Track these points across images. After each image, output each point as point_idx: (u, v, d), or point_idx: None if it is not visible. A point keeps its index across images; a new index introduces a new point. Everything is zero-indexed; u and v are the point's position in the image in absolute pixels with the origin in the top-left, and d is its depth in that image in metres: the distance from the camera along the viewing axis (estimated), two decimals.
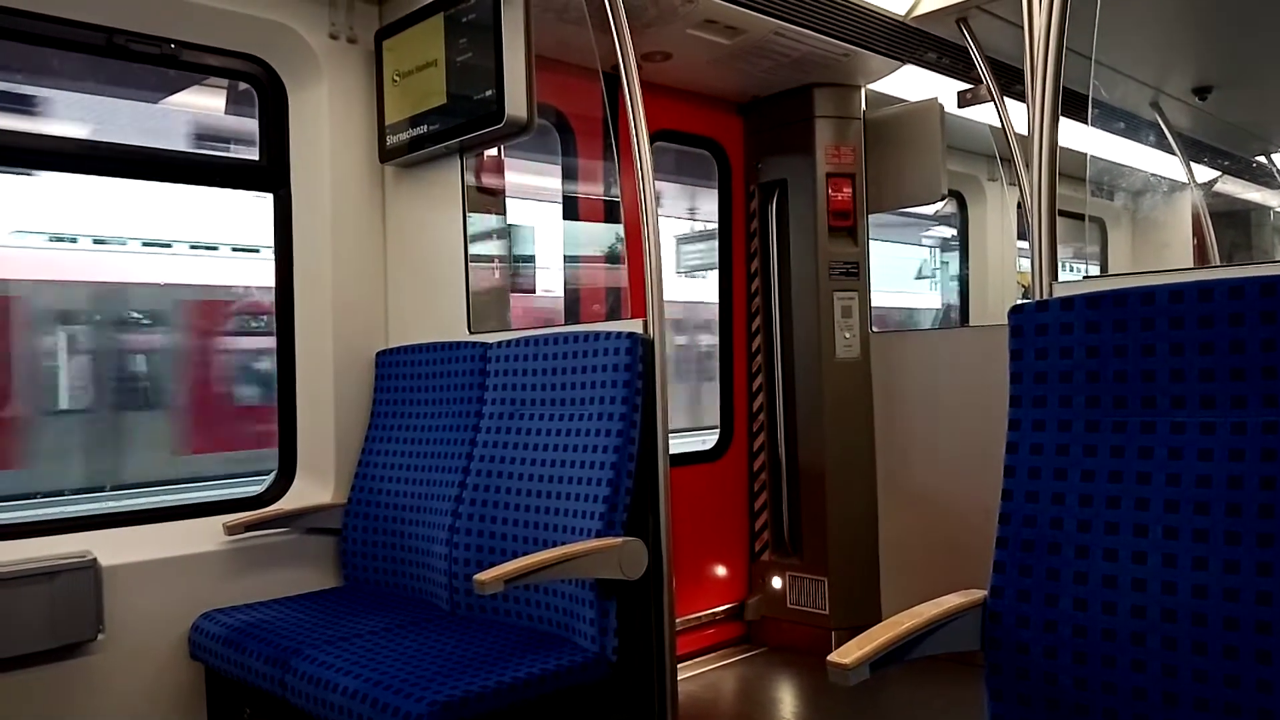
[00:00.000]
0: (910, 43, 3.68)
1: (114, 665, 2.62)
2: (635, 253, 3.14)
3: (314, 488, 3.17)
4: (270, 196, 3.23)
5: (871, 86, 4.09)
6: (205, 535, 2.86)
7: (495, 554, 2.62)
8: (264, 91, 3.19)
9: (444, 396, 2.98)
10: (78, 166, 3.00)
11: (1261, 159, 5.99)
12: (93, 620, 2.55)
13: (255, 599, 2.83)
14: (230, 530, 2.86)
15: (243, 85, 3.25)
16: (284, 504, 3.11)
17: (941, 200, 4.28)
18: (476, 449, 2.80)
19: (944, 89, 3.95)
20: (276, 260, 3.24)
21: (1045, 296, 1.98)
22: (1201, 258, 5.33)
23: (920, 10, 3.50)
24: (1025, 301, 1.96)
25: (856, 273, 4.06)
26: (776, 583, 4.17)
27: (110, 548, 2.64)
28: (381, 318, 3.32)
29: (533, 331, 2.80)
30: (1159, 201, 5.95)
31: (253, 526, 2.90)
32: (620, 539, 2.35)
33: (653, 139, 2.61)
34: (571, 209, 4.16)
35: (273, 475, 3.22)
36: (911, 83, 4.05)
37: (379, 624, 2.56)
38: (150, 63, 3.02)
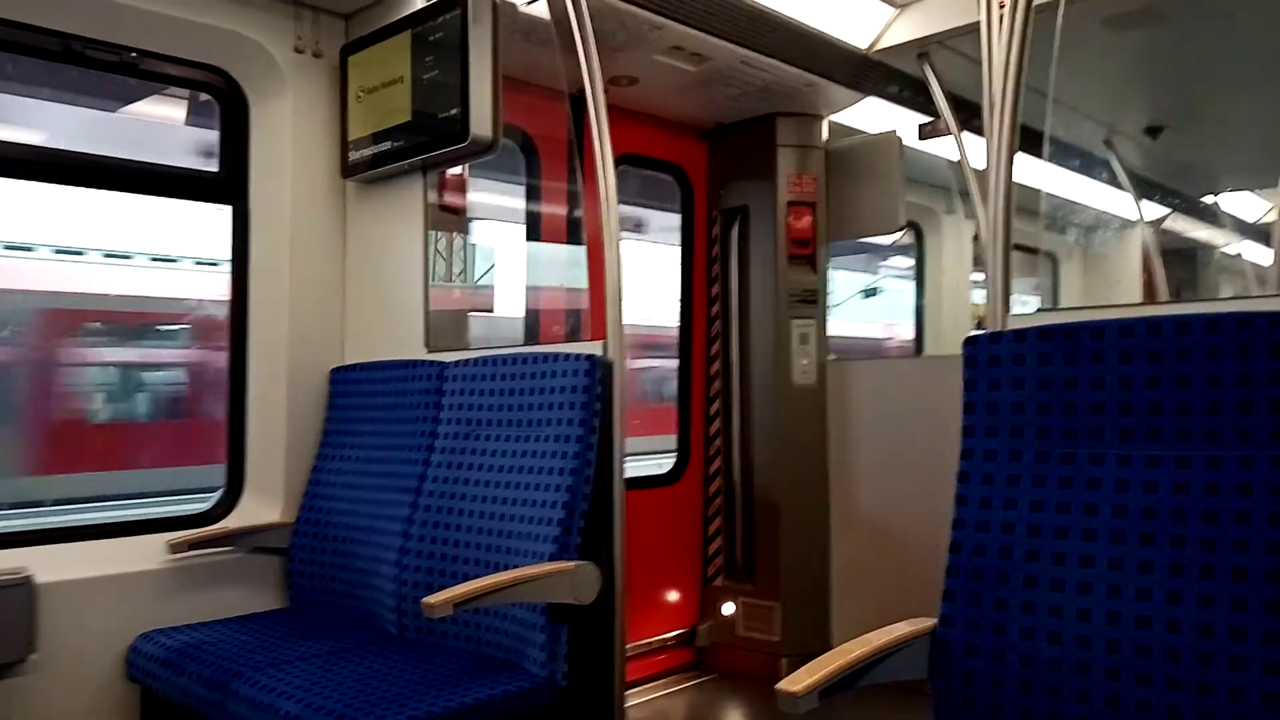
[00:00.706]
0: (872, 75, 3.73)
1: (47, 686, 2.54)
2: (596, 274, 3.14)
3: (261, 506, 3.11)
4: (229, 209, 3.18)
5: (834, 117, 4.14)
6: (147, 553, 2.79)
7: (446, 576, 2.58)
8: (225, 103, 3.16)
9: (398, 415, 2.94)
10: (30, 174, 2.92)
11: (1209, 198, 6.15)
12: (25, 639, 2.47)
13: (197, 619, 2.76)
14: (173, 548, 2.79)
15: (204, 96, 3.22)
16: (229, 522, 3.04)
17: (900, 231, 4.33)
18: (430, 469, 2.77)
19: (904, 122, 4.02)
20: (233, 274, 3.19)
21: (999, 328, 2.01)
22: (1151, 293, 5.44)
23: (883, 44, 3.56)
24: (979, 333, 1.98)
25: (815, 300, 4.09)
26: (728, 609, 4.15)
27: (47, 564, 2.57)
28: (338, 334, 3.27)
29: (491, 351, 2.78)
30: (1110, 237, 6.08)
31: (197, 545, 2.84)
32: (573, 563, 2.34)
33: (617, 162, 2.61)
34: (535, 229, 4.15)
35: (219, 492, 3.16)
36: (873, 115, 4.11)
37: (324, 647, 2.50)
38: (109, 70, 2.97)
